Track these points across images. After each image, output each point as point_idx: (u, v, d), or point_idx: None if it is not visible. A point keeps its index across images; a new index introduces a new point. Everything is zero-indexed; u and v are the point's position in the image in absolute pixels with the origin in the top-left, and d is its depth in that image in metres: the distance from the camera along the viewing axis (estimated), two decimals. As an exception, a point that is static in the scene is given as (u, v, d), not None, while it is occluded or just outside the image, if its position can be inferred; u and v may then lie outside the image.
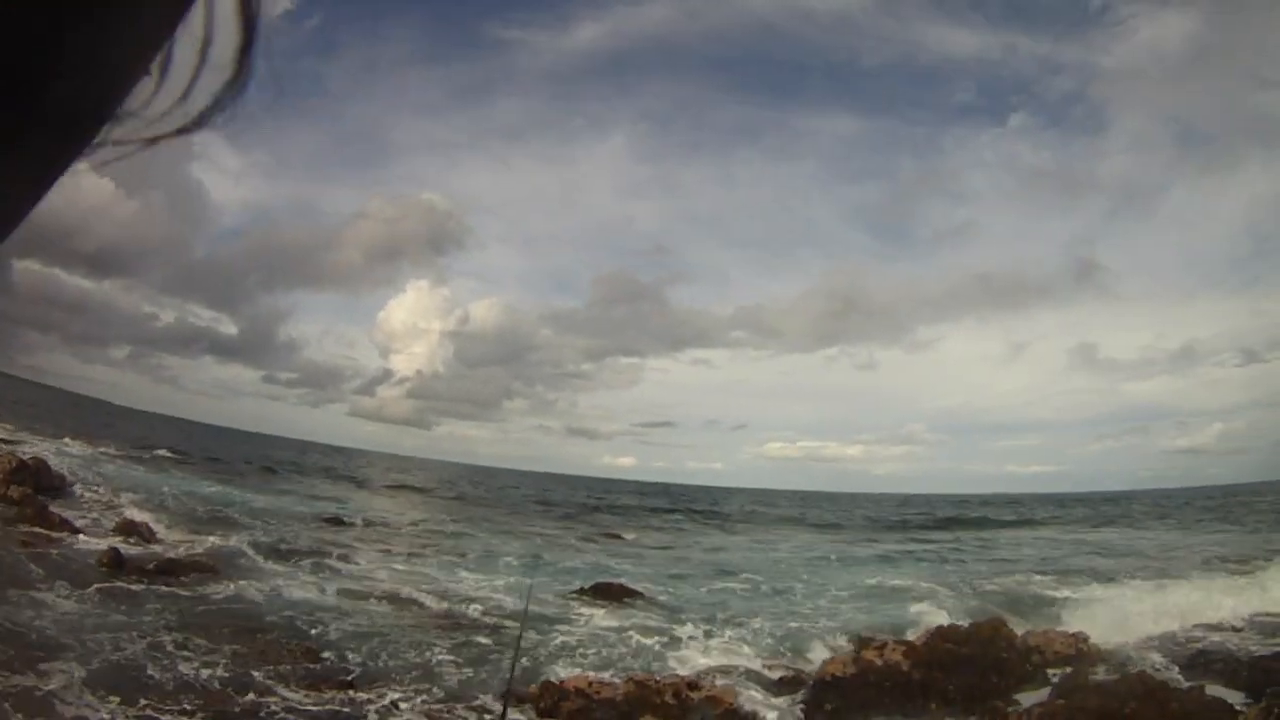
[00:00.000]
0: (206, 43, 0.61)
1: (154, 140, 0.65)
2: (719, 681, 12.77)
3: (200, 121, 0.66)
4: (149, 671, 11.42)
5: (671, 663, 14.95)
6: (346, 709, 11.39)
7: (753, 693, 13.25)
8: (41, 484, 24.37)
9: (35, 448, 34.13)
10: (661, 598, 20.94)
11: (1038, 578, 24.86)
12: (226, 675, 11.78)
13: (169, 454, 53.41)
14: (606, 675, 12.98)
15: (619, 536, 40.38)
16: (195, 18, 0.59)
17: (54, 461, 29.47)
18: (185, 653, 12.34)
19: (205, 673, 11.76)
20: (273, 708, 10.99)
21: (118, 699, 10.29)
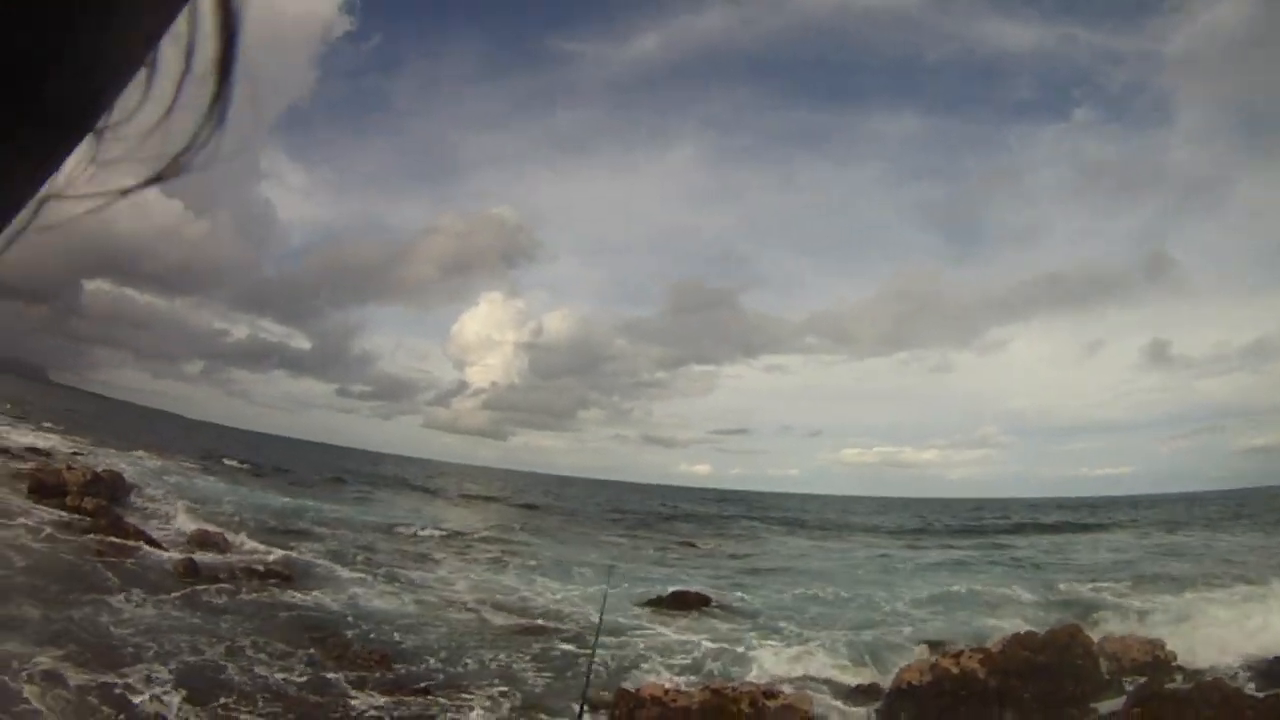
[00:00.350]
0: (189, 52, 0.63)
1: (125, 192, 0.66)
2: (795, 690, 12.81)
3: (176, 168, 0.67)
4: (227, 673, 11.84)
5: (747, 670, 15.01)
6: (425, 714, 11.68)
7: (828, 700, 13.34)
8: (116, 495, 25.46)
9: (109, 461, 35.45)
10: (737, 605, 21.06)
11: (1113, 583, 24.33)
12: (304, 679, 12.12)
13: (242, 465, 55.05)
14: (682, 683, 13.12)
15: (694, 545, 40.60)
16: (180, 26, 0.62)
17: (128, 473, 30.63)
18: (262, 656, 12.74)
19: (281, 676, 12.13)
20: (351, 712, 11.35)
21: (195, 699, 10.74)
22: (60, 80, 0.55)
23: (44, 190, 0.61)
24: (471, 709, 11.98)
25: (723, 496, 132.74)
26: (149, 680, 10.99)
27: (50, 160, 0.60)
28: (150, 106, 0.64)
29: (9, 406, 59.77)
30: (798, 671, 15.04)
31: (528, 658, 14.83)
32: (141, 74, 0.62)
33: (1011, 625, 17.51)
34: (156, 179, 0.67)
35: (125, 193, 0.66)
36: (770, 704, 11.54)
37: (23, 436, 39.91)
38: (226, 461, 55.15)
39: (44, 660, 10.80)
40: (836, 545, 44.02)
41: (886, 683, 14.03)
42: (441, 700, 12.11)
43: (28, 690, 9.73)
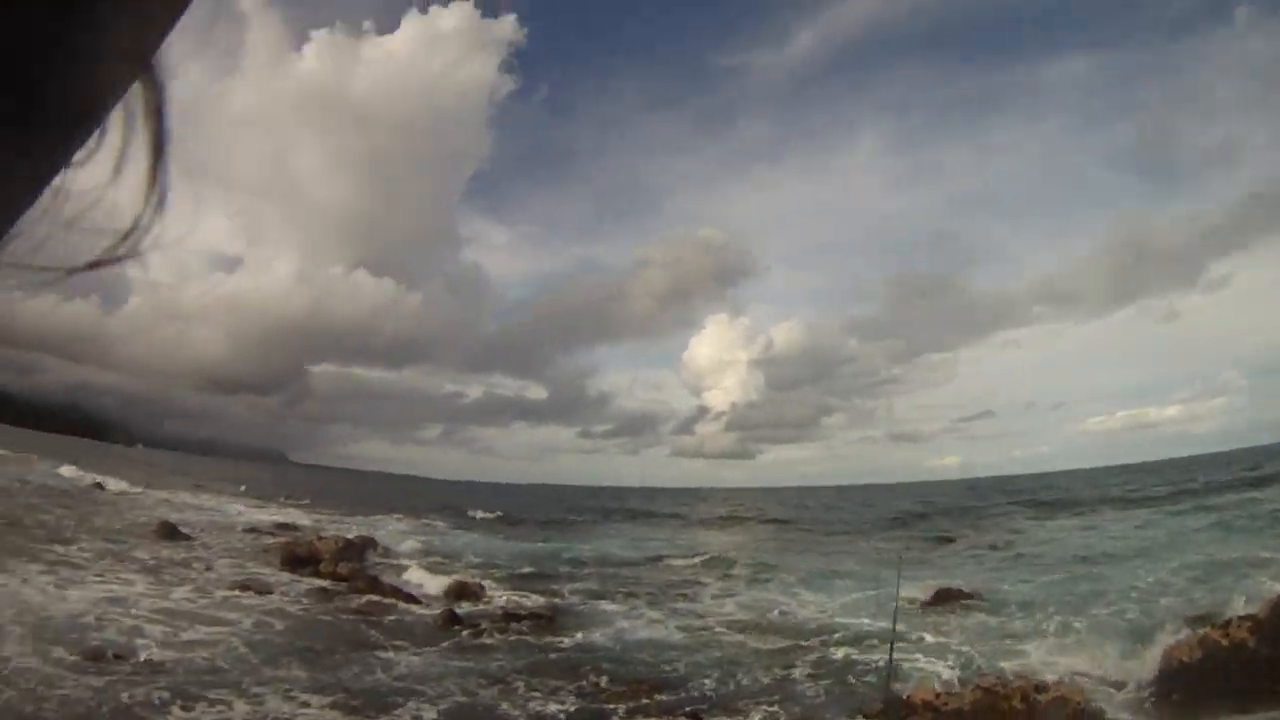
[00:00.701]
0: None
1: (72, 271, 0.65)
2: (1065, 680, 12.45)
3: (124, 250, 0.66)
4: (501, 710, 12.08)
5: (1017, 663, 14.72)
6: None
7: (1099, 687, 12.90)
8: (369, 558, 26.88)
9: (359, 529, 37.57)
10: (1000, 596, 20.64)
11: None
12: (577, 710, 12.23)
13: (492, 516, 57.22)
14: (956, 679, 13.29)
15: (951, 539, 39.99)
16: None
17: (380, 537, 32.34)
18: (534, 693, 12.87)
19: (555, 707, 12.29)
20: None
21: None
22: (56, 81, 0.55)
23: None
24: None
25: (974, 486, 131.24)
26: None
27: (49, 164, 0.60)
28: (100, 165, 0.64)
29: (246, 489, 64.49)
30: (1066, 660, 14.79)
31: (797, 672, 14.76)
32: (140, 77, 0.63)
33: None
34: (107, 261, 0.67)
35: (72, 272, 0.65)
36: (1041, 698, 11.40)
37: (270, 515, 43.07)
38: (476, 514, 57.45)
39: (311, 710, 11.31)
40: (1092, 521, 42.57)
41: (1155, 662, 13.30)
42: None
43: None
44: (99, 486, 48.69)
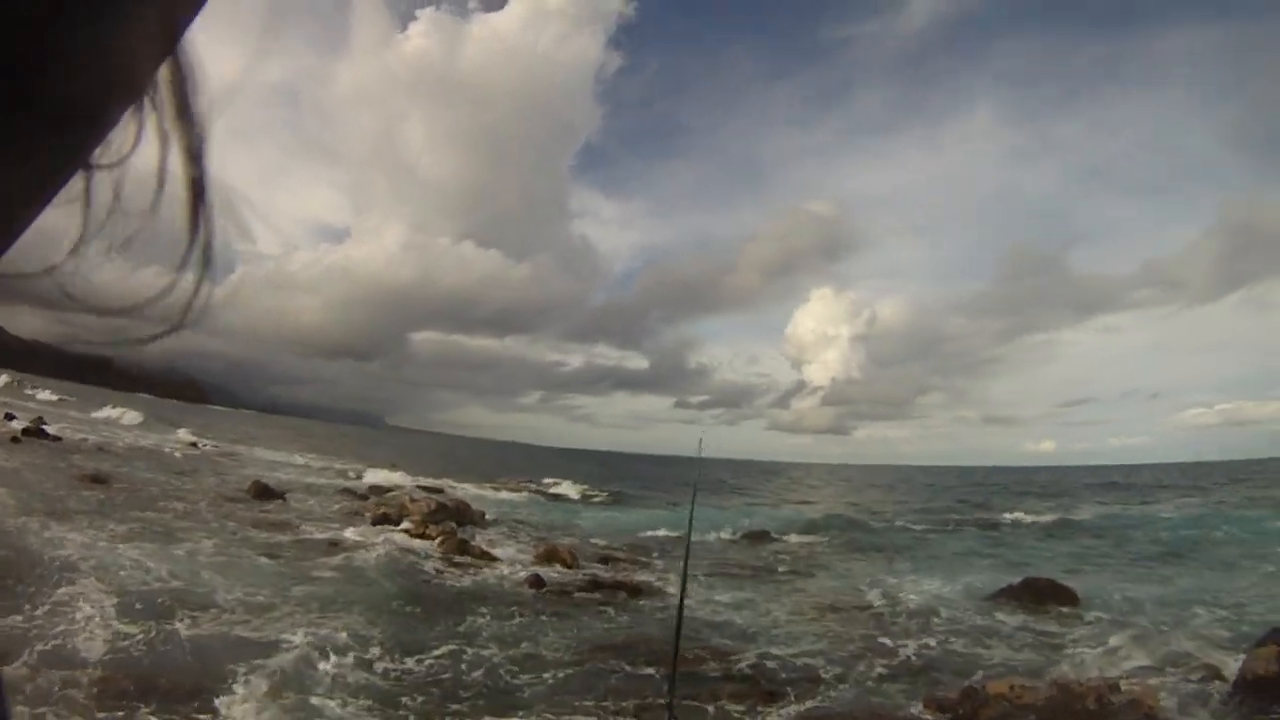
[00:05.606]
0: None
1: (150, 339, 0.64)
2: (1140, 682, 12.18)
3: (180, 324, 0.65)
4: (586, 669, 12.44)
5: (1099, 661, 14.46)
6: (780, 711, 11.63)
7: (1178, 692, 12.50)
8: (461, 520, 27.50)
9: (454, 492, 38.35)
10: (1086, 591, 19.94)
11: None
12: (663, 676, 12.37)
13: (585, 484, 57.72)
14: (1029, 679, 12.75)
15: (1044, 528, 38.78)
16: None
17: (472, 500, 33.00)
18: (620, 660, 13.11)
19: (648, 670, 12.65)
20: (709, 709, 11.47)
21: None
22: (64, 88, 0.52)
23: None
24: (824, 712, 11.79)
25: (1067, 474, 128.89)
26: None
27: (56, 172, 0.57)
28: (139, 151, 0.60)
29: (342, 452, 66.07)
30: (1148, 661, 14.33)
31: (881, 657, 14.51)
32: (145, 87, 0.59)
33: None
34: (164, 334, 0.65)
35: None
36: (1116, 699, 11.22)
37: (364, 477, 44.27)
38: (570, 482, 57.97)
39: (395, 666, 11.77)
40: (1186, 517, 40.78)
41: (1234, 670, 12.97)
42: (793, 707, 11.98)
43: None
44: (194, 446, 50.65)
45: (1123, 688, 11.59)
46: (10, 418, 42.80)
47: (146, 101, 0.59)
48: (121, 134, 0.59)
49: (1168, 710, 11.45)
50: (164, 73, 0.59)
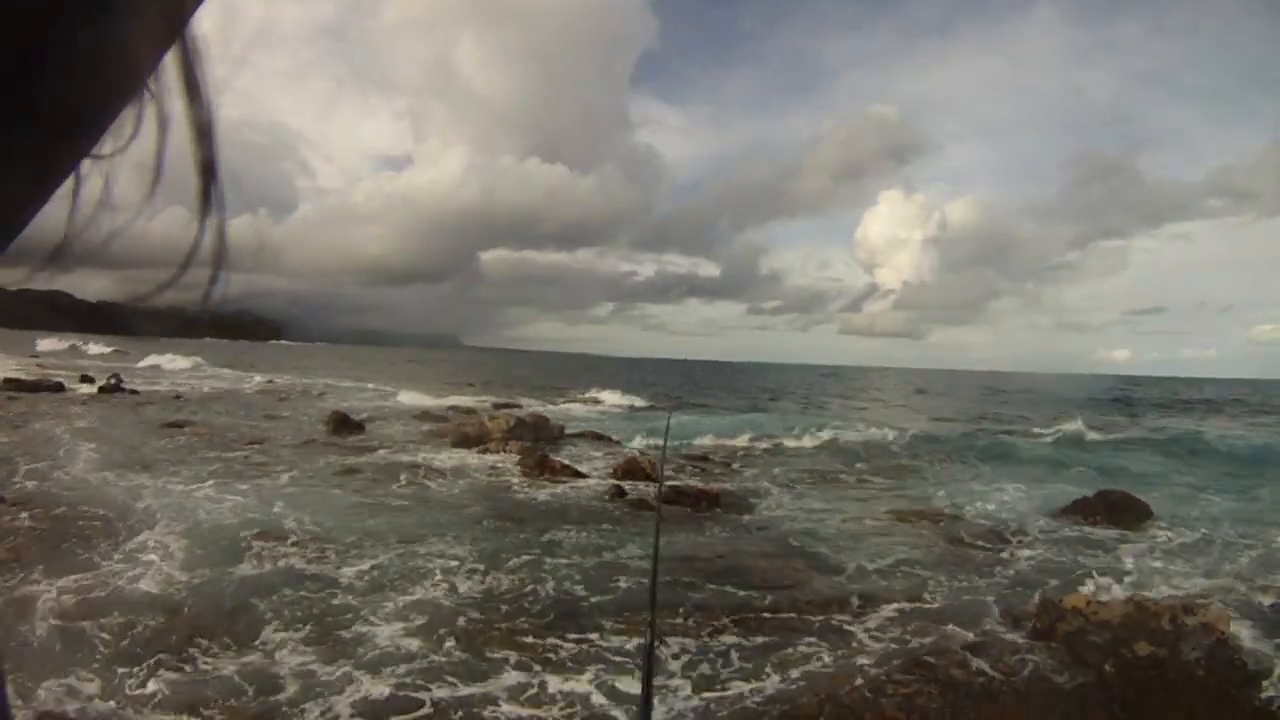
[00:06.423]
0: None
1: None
2: (1214, 605, 11.48)
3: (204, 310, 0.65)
4: (666, 578, 12.31)
5: (1167, 580, 14.06)
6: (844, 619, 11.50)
7: (1251, 616, 12.21)
8: (540, 436, 27.64)
9: (532, 408, 38.38)
10: (1158, 507, 19.38)
11: None
12: (741, 583, 12.47)
13: (661, 394, 57.70)
14: (1112, 588, 12.97)
15: (1117, 442, 37.00)
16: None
17: (550, 415, 32.99)
18: (697, 571, 12.99)
19: (725, 587, 12.37)
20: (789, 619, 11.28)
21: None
22: (61, 85, 0.52)
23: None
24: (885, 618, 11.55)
25: (1137, 383, 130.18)
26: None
27: (55, 168, 0.56)
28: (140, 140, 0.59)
29: (419, 375, 66.67)
30: (1221, 581, 13.94)
31: (949, 567, 14.26)
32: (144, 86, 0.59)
33: None
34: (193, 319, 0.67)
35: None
36: (1189, 621, 10.82)
37: (443, 399, 44.69)
38: (646, 393, 57.94)
39: (478, 581, 11.69)
40: (1263, 435, 39.21)
41: None
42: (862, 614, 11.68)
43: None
44: (270, 383, 51.40)
45: (1196, 609, 11.21)
46: (87, 379, 43.74)
47: (147, 90, 0.57)
48: (122, 124, 0.56)
49: (1240, 637, 11.05)
50: (171, 55, 0.56)
